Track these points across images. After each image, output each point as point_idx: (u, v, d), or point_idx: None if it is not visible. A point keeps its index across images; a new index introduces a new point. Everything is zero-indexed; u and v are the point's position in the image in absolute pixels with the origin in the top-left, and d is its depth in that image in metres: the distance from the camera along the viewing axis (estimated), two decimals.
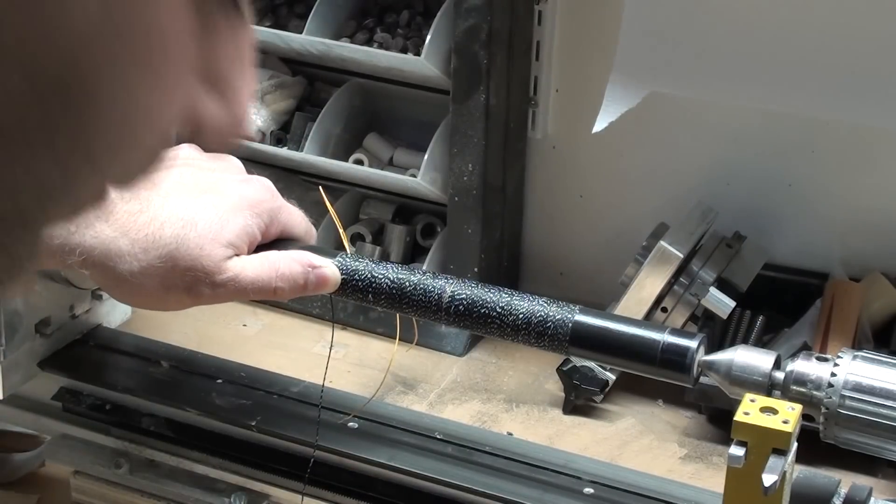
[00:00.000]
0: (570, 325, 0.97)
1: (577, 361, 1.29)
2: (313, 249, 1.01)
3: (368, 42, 1.49)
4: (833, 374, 0.92)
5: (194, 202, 0.95)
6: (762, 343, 1.32)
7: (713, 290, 1.28)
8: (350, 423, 1.13)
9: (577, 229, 1.51)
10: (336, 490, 1.11)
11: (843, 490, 0.96)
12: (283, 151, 1.50)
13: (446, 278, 1.00)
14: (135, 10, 0.42)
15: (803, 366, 0.93)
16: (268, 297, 0.97)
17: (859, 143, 1.37)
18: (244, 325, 1.45)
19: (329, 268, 0.99)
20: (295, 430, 1.12)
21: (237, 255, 0.95)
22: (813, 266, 1.40)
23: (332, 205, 1.14)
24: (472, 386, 1.35)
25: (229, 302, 0.98)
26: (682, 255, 1.28)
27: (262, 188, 1.00)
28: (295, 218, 1.02)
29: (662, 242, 1.28)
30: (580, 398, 1.30)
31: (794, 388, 0.93)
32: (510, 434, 1.24)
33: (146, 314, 1.31)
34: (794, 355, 0.96)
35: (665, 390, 1.28)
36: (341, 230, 1.12)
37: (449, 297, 0.98)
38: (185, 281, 0.94)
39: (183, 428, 1.17)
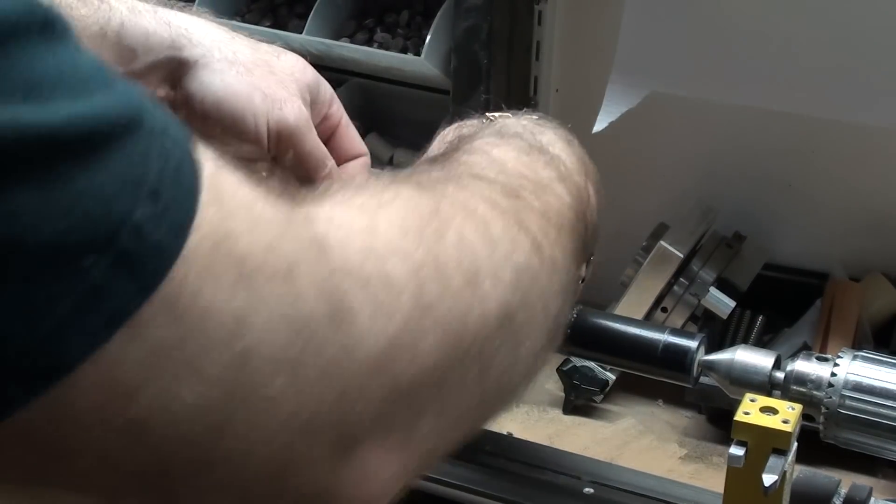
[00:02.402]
0: (570, 325, 0.97)
1: (577, 361, 1.29)
2: None
3: (368, 42, 1.49)
4: (833, 374, 0.92)
5: (245, 80, 0.92)
6: (762, 343, 1.31)
7: (713, 290, 1.28)
8: None
9: None
10: None
11: (843, 490, 0.96)
12: None
13: None
14: None
15: (803, 366, 0.93)
16: (318, 174, 0.94)
17: (859, 143, 1.37)
18: None
19: None
20: None
21: None
22: (813, 266, 1.40)
23: None
24: None
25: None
26: (682, 255, 1.27)
27: (299, 62, 0.97)
28: (330, 95, 0.99)
29: (662, 242, 1.28)
30: (580, 398, 1.30)
31: (795, 387, 0.93)
32: (510, 434, 1.24)
33: None
34: (794, 355, 0.96)
35: (665, 390, 1.28)
36: None
37: None
38: None
39: None
